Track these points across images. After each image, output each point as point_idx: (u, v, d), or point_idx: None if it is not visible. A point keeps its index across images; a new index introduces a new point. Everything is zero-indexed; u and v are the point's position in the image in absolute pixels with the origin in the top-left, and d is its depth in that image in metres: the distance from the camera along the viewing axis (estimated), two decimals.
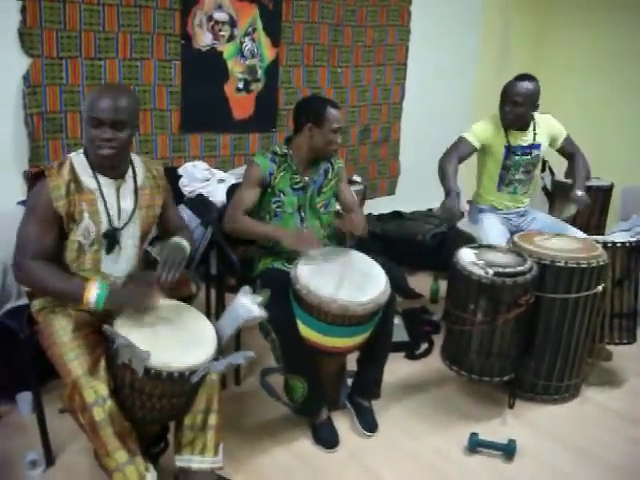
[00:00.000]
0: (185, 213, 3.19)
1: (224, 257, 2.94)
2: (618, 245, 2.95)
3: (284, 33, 4.03)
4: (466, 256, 2.74)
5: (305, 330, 2.45)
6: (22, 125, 3.17)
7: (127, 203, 2.13)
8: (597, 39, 5.16)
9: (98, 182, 2.07)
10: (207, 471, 2.07)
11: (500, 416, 2.83)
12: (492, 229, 3.32)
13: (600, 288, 2.77)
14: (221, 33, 3.77)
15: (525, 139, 3.28)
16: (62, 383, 1.96)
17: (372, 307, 2.36)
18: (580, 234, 3.20)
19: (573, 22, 5.34)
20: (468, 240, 3.42)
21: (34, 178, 2.06)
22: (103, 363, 1.94)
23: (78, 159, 2.08)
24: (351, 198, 2.92)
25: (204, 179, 3.44)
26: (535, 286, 2.67)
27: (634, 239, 3.00)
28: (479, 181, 3.50)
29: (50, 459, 2.35)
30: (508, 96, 3.19)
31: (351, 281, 2.42)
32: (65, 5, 3.16)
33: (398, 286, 3.67)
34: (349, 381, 2.83)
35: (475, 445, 2.56)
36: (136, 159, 2.21)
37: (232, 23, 3.79)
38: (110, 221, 2.08)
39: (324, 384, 2.64)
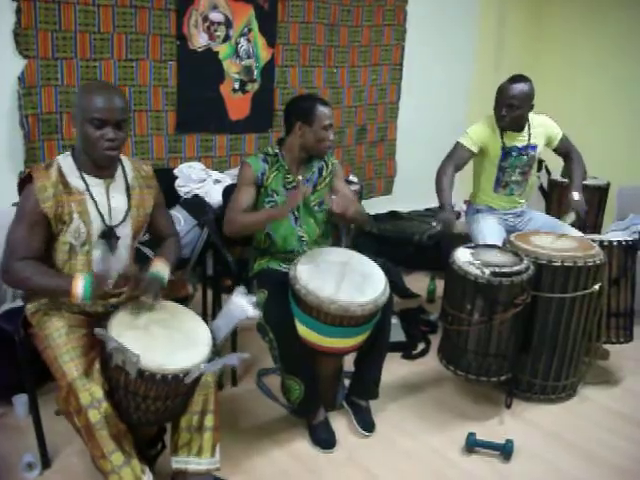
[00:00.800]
0: (181, 214, 3.19)
1: (220, 258, 2.94)
2: (615, 244, 2.96)
3: (280, 33, 4.02)
4: (462, 256, 2.73)
5: (304, 330, 2.45)
6: (17, 126, 3.16)
7: (119, 202, 2.12)
8: (594, 35, 5.16)
9: (86, 183, 2.06)
10: (203, 472, 2.07)
11: (497, 416, 2.83)
12: (488, 229, 3.31)
13: (597, 287, 2.77)
14: (217, 33, 3.76)
15: (521, 140, 3.28)
16: (57, 386, 1.96)
17: (371, 308, 2.36)
18: (576, 233, 3.20)
19: (569, 18, 5.34)
20: (464, 240, 3.42)
21: (23, 182, 2.05)
22: (98, 365, 1.94)
23: (65, 161, 2.07)
24: (347, 192, 2.85)
25: (200, 180, 3.43)
26: (532, 286, 2.67)
27: (630, 238, 3.01)
28: (475, 182, 3.50)
29: (46, 461, 2.34)
30: (503, 99, 3.17)
31: (350, 282, 2.42)
32: (60, 6, 3.16)
33: (395, 286, 3.67)
34: (346, 381, 2.83)
35: (472, 445, 2.56)
36: (124, 158, 2.20)
37: (227, 23, 3.79)
38: (103, 220, 2.08)
39: (321, 384, 2.63)
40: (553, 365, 2.86)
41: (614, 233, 3.49)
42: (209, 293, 3.20)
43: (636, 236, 3.32)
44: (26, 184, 2.02)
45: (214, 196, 3.31)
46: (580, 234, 3.18)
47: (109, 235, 2.10)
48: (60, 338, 2.01)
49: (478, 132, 3.27)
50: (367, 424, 2.68)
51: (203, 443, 2.06)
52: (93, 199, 2.06)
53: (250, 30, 3.89)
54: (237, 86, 3.94)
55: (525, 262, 2.66)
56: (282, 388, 2.63)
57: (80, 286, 1.94)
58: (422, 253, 4.36)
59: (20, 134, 3.17)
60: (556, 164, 4.05)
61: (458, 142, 3.27)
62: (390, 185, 5.03)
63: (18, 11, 3.04)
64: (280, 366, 2.53)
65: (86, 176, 2.07)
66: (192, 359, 1.90)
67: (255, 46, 3.95)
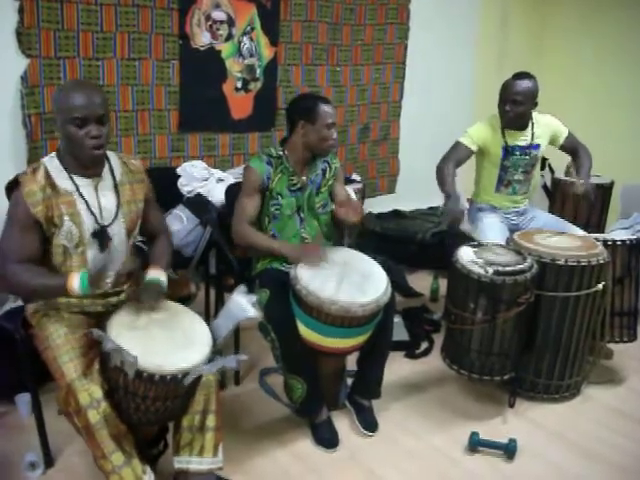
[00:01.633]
0: (184, 213, 3.19)
1: (223, 257, 2.94)
2: (618, 243, 2.94)
3: (282, 32, 4.01)
4: (466, 255, 2.73)
5: (305, 331, 2.44)
6: (20, 126, 3.16)
7: (108, 201, 2.11)
8: (596, 34, 5.14)
9: (75, 184, 2.04)
10: (205, 472, 2.07)
11: (501, 415, 2.82)
12: (491, 228, 3.31)
13: (600, 286, 2.76)
14: (219, 32, 3.76)
15: (523, 139, 3.27)
16: (57, 386, 1.96)
17: (372, 308, 2.35)
18: (580, 232, 3.19)
19: (572, 17, 5.33)
20: (468, 239, 3.41)
21: (10, 188, 2.04)
22: (97, 365, 1.94)
23: (52, 163, 2.05)
24: (345, 194, 2.85)
25: (203, 179, 3.43)
26: (535, 284, 2.66)
27: (634, 237, 2.99)
28: (477, 182, 3.49)
29: (49, 460, 2.35)
30: (507, 95, 3.17)
31: (351, 282, 2.41)
32: (63, 5, 3.16)
33: (398, 285, 3.66)
34: (349, 380, 2.83)
35: (476, 444, 2.55)
36: (111, 155, 2.18)
37: (230, 22, 3.78)
38: (96, 220, 2.06)
39: (324, 384, 2.63)
40: (557, 364, 2.85)
41: (618, 232, 3.47)
42: (212, 292, 3.19)
43: None
44: (13, 190, 2.00)
45: (217, 195, 3.31)
46: (584, 233, 3.18)
47: (101, 235, 2.08)
48: (59, 339, 2.01)
49: (478, 131, 3.26)
50: (370, 423, 2.68)
51: (205, 443, 2.05)
52: (83, 199, 2.05)
53: (253, 29, 3.89)
54: (240, 85, 3.94)
55: (528, 261, 2.65)
56: (284, 387, 2.63)
57: (76, 279, 1.92)
58: (425, 252, 4.35)
59: (23, 133, 3.18)
60: (560, 163, 4.05)
61: (457, 141, 3.27)
62: (393, 184, 5.02)
63: (21, 10, 3.04)
64: (282, 365, 2.53)
65: (74, 176, 2.05)
66: (191, 360, 1.90)
67: (258, 45, 3.94)
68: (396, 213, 4.78)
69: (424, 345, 3.44)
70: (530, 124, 3.28)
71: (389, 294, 2.45)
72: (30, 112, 3.15)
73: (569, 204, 4.20)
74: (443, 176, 3.15)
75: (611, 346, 3.18)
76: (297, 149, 2.67)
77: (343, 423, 2.70)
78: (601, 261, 2.73)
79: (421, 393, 3.00)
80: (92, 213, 2.06)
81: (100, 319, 2.02)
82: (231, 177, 3.51)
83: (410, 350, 3.36)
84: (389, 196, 4.98)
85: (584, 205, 3.97)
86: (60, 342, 1.99)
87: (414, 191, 4.83)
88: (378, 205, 4.75)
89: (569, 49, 5.36)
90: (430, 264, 4.36)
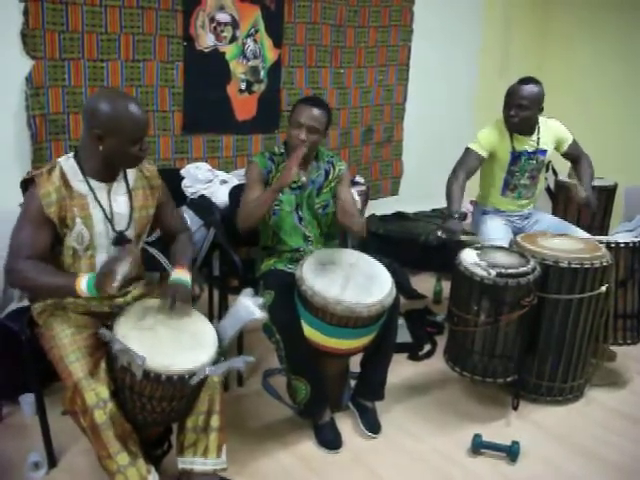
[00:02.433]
0: (188, 214, 3.19)
1: (227, 258, 2.94)
2: (622, 245, 2.94)
3: (286, 34, 4.02)
4: (469, 257, 2.73)
5: (309, 331, 2.44)
6: (25, 127, 3.16)
7: (120, 206, 2.11)
8: (598, 40, 5.15)
9: (90, 187, 2.05)
10: (209, 473, 2.07)
11: (504, 417, 2.82)
12: (495, 230, 3.31)
13: (604, 289, 2.76)
14: (223, 34, 3.76)
15: (531, 144, 3.27)
16: (63, 386, 1.96)
17: (377, 309, 2.36)
18: (583, 234, 3.19)
19: (574, 23, 5.33)
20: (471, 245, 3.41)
21: (25, 184, 2.04)
22: (104, 365, 1.94)
23: (68, 164, 2.05)
24: (350, 200, 2.80)
25: (207, 180, 3.43)
26: (538, 287, 2.66)
27: (638, 239, 2.99)
28: (483, 184, 3.49)
29: (52, 460, 2.35)
30: (513, 100, 3.16)
31: (357, 283, 2.42)
32: (67, 7, 3.16)
33: (401, 287, 3.66)
34: (352, 382, 2.83)
35: (478, 446, 2.55)
36: None
37: (234, 24, 3.79)
38: (112, 225, 2.08)
39: (327, 385, 2.63)
40: (560, 367, 2.85)
41: (621, 234, 3.47)
42: (215, 293, 3.20)
43: None
44: (29, 186, 2.01)
45: (220, 197, 3.31)
46: (587, 235, 3.17)
47: (122, 240, 2.10)
48: (66, 338, 2.01)
49: (487, 136, 3.26)
50: (373, 425, 2.68)
51: (209, 443, 2.06)
52: (98, 203, 2.06)
53: (257, 31, 3.89)
54: (244, 87, 3.94)
55: (532, 263, 2.65)
56: (288, 389, 2.63)
57: (84, 280, 1.91)
58: (428, 254, 4.35)
59: (27, 134, 3.18)
60: (563, 165, 4.04)
61: (468, 148, 3.26)
62: (396, 186, 5.02)
63: (25, 12, 3.04)
64: (286, 367, 2.53)
65: (90, 179, 2.05)
66: (198, 360, 1.90)
67: (262, 47, 3.95)
68: (399, 215, 4.78)
69: (427, 347, 3.44)
70: (537, 129, 3.27)
71: (394, 296, 2.46)
72: (35, 113, 3.16)
73: (572, 206, 4.21)
74: (451, 193, 3.15)
75: (614, 348, 3.18)
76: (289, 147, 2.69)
77: (346, 425, 2.70)
78: (604, 263, 2.73)
79: (424, 395, 3.00)
80: (106, 218, 2.07)
81: (106, 319, 2.03)
82: (235, 179, 3.51)
83: (413, 352, 3.37)
84: (392, 198, 4.97)
85: (586, 209, 3.98)
86: (67, 342, 2.00)
87: (417, 193, 4.83)
88: (381, 207, 4.75)
89: (571, 54, 5.36)
90: (433, 266, 4.35)
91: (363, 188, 4.20)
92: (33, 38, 3.09)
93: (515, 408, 2.87)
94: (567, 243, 2.90)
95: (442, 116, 4.94)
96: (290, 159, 2.50)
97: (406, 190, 5.01)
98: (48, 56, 3.16)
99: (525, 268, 2.61)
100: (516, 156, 3.26)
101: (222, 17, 3.73)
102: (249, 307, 2.09)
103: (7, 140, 3.14)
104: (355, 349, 2.55)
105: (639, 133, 4.96)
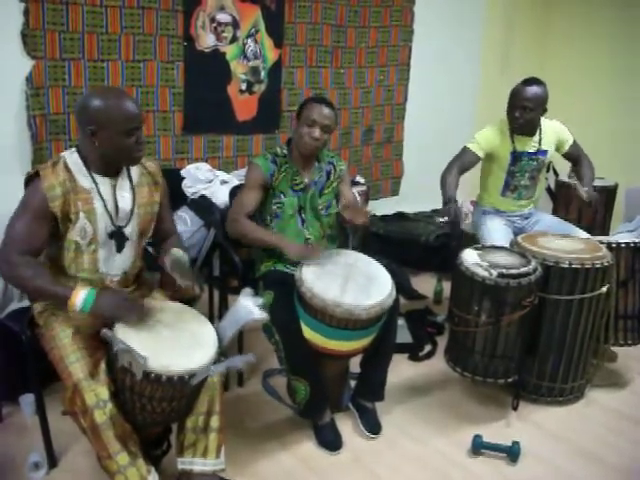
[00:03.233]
0: (188, 215, 3.20)
1: (227, 259, 2.94)
2: (622, 246, 2.94)
3: (287, 34, 4.02)
4: (470, 257, 2.73)
5: (309, 333, 2.44)
6: (25, 127, 3.16)
7: (124, 201, 2.11)
8: (600, 38, 5.15)
9: (95, 181, 2.05)
10: (209, 474, 2.07)
11: (504, 418, 2.82)
12: (495, 230, 3.31)
13: (604, 289, 2.76)
14: (224, 34, 3.76)
15: (532, 145, 3.27)
16: (63, 386, 1.96)
17: (377, 311, 2.35)
18: (584, 235, 3.18)
19: (576, 22, 5.33)
20: (472, 241, 3.41)
21: (29, 179, 2.03)
22: (104, 366, 1.94)
23: (72, 158, 2.05)
24: (352, 196, 2.87)
25: (207, 180, 3.43)
26: (539, 287, 2.66)
27: (639, 240, 2.99)
28: (483, 184, 3.49)
29: (53, 461, 2.35)
30: (517, 101, 3.15)
31: (356, 284, 2.41)
32: (68, 7, 3.16)
33: (401, 287, 3.66)
34: (352, 383, 2.83)
35: (479, 447, 2.55)
36: None
37: (235, 24, 3.79)
38: (112, 220, 2.08)
39: (327, 386, 2.63)
40: (560, 367, 2.85)
41: (622, 234, 3.47)
42: (215, 294, 3.20)
43: None
44: (33, 180, 2.00)
45: (221, 197, 3.31)
46: (588, 236, 3.17)
47: (118, 235, 2.10)
48: (67, 338, 2.01)
49: (486, 137, 3.25)
50: (373, 426, 2.67)
51: (209, 444, 2.05)
52: (101, 198, 2.06)
53: (257, 31, 3.89)
54: (244, 87, 3.94)
55: (533, 264, 2.65)
56: (288, 389, 2.63)
57: (80, 298, 1.90)
58: (429, 254, 4.35)
59: (28, 135, 3.18)
60: (564, 165, 4.04)
61: (465, 147, 3.27)
62: (397, 186, 5.02)
63: (26, 12, 3.04)
64: (286, 367, 2.53)
65: (94, 174, 2.06)
66: (198, 361, 1.90)
67: (262, 47, 3.95)
68: (400, 215, 4.78)
69: (427, 348, 3.44)
70: (538, 130, 3.27)
71: (394, 297, 2.45)
72: (35, 113, 3.16)
73: (573, 207, 4.21)
74: (446, 182, 3.15)
75: (615, 349, 3.17)
76: (294, 148, 2.68)
77: (346, 425, 2.70)
78: (605, 264, 2.72)
79: (424, 396, 3.00)
80: (108, 213, 2.07)
81: (107, 320, 2.02)
82: (235, 179, 3.51)
83: (413, 352, 3.36)
84: (393, 198, 4.97)
85: (588, 208, 3.97)
86: (67, 342, 2.00)
87: (418, 193, 4.82)
88: (382, 207, 4.75)
89: (572, 53, 5.36)
90: (434, 266, 4.36)
91: (363, 188, 4.20)
92: (33, 38, 3.09)
93: (515, 409, 2.87)
94: (568, 243, 2.89)
95: (443, 116, 4.93)
96: (310, 252, 2.50)
97: (406, 190, 5.01)
98: (48, 56, 3.17)
99: (526, 268, 2.60)
100: (516, 157, 3.26)
101: (222, 17, 3.73)
102: (248, 307, 2.09)
103: (7, 140, 3.14)
104: (355, 350, 2.55)
105: None
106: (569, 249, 2.80)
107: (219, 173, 3.57)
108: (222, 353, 2.03)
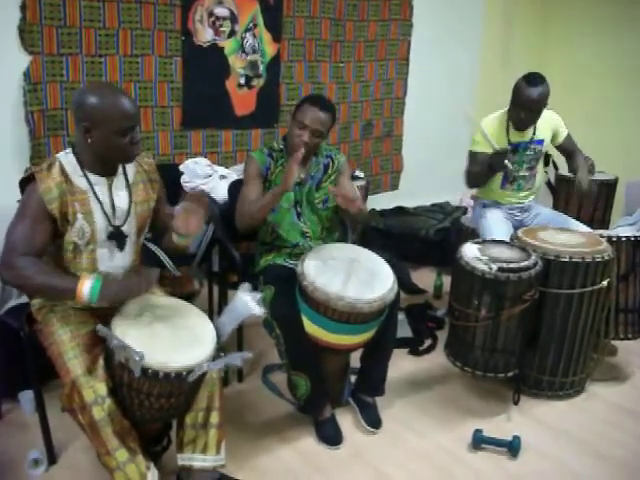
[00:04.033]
0: None
1: (226, 254, 2.93)
2: (623, 239, 2.93)
3: (285, 28, 4.00)
4: (470, 251, 2.72)
5: (310, 327, 2.44)
6: (23, 122, 3.15)
7: (121, 200, 2.10)
8: (599, 34, 5.15)
9: (89, 182, 2.03)
10: (209, 469, 2.07)
11: (504, 412, 2.82)
12: (496, 224, 3.29)
13: (605, 283, 2.75)
14: (222, 29, 3.75)
15: (526, 134, 3.26)
16: (61, 382, 1.95)
17: (379, 305, 2.35)
18: (584, 228, 3.18)
19: (575, 17, 5.32)
20: (472, 235, 3.40)
21: (24, 182, 2.02)
22: (102, 362, 1.93)
23: (67, 159, 2.03)
24: (350, 188, 2.81)
25: (206, 175, 3.42)
26: (539, 281, 2.65)
27: (639, 233, 2.98)
28: None
29: (52, 457, 2.35)
30: (523, 103, 3.09)
31: (358, 278, 2.40)
32: (65, 2, 3.14)
33: (401, 282, 3.65)
34: (353, 378, 2.82)
35: (479, 441, 2.55)
36: None
37: (233, 18, 3.77)
38: (109, 220, 2.06)
39: (328, 381, 2.62)
40: (561, 361, 2.85)
41: (622, 228, 3.46)
42: (215, 289, 3.19)
43: None
44: (29, 182, 1.98)
45: (220, 192, 3.30)
46: (588, 229, 3.16)
47: (117, 235, 2.09)
48: (65, 335, 2.00)
49: (485, 135, 3.22)
50: (373, 421, 2.67)
51: (208, 440, 2.05)
52: (97, 198, 2.04)
53: (255, 25, 3.88)
54: (243, 81, 3.93)
55: (533, 258, 2.64)
56: (288, 384, 2.62)
57: (87, 286, 1.89)
58: (429, 248, 4.35)
59: (25, 130, 3.17)
60: (563, 159, 4.02)
61: (471, 151, 3.27)
62: (396, 180, 5.01)
63: (23, 7, 3.03)
64: (286, 362, 2.52)
65: (89, 174, 2.04)
66: (196, 357, 1.89)
67: (260, 41, 3.93)
68: (400, 210, 4.77)
69: (428, 342, 3.43)
70: None
71: (395, 291, 2.45)
72: (33, 109, 3.15)
73: (573, 201, 4.19)
74: (474, 171, 3.21)
75: (615, 343, 3.17)
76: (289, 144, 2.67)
77: (347, 420, 2.70)
78: (606, 258, 2.72)
79: (425, 390, 3.00)
80: (105, 213, 2.05)
81: (106, 316, 2.01)
82: (234, 174, 3.50)
83: (414, 347, 3.36)
84: (392, 193, 4.97)
85: (588, 201, 3.96)
86: (66, 338, 1.99)
87: (418, 188, 4.82)
88: (381, 202, 4.75)
89: (572, 48, 5.35)
90: (434, 261, 4.35)
91: (363, 183, 4.19)
92: (31, 33, 3.08)
93: (516, 403, 2.86)
94: (568, 237, 2.89)
95: (442, 110, 4.91)
96: (290, 163, 2.47)
97: (406, 185, 5.00)
98: (46, 51, 3.15)
99: (526, 262, 2.60)
100: (513, 148, 3.25)
101: (220, 11, 3.72)
102: (247, 302, 2.08)
103: (5, 136, 3.13)
104: (356, 345, 2.55)
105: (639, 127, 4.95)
106: (569, 243, 2.80)
107: (218, 168, 3.57)
108: (221, 349, 2.02)
